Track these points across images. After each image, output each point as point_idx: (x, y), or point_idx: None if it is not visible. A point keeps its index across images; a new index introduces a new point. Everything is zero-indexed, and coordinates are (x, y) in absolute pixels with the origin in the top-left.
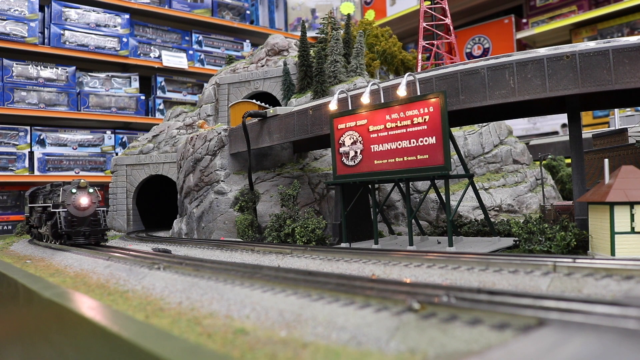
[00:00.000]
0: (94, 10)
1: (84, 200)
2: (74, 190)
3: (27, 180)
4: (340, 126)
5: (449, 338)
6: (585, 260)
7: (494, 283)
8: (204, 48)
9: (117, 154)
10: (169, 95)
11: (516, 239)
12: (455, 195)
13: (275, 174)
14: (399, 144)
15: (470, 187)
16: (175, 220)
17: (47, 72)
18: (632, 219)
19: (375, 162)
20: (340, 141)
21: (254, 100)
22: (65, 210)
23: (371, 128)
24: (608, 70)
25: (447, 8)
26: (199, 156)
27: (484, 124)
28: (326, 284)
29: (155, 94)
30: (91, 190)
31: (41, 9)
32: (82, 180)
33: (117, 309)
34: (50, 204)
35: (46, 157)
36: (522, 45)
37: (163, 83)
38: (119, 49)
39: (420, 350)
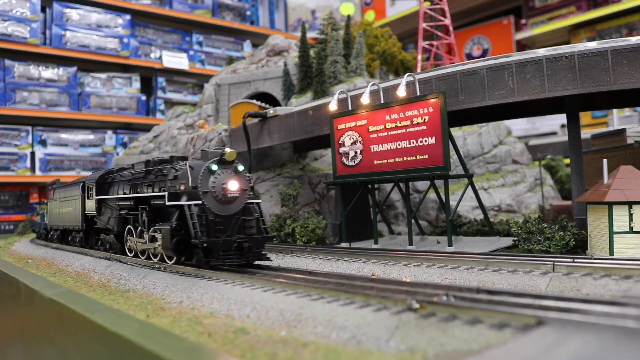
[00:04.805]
0: (95, 11)
1: (232, 185)
2: (214, 168)
3: (29, 181)
4: (340, 126)
5: (448, 337)
6: (584, 260)
7: (493, 282)
8: (205, 49)
9: (118, 154)
10: (169, 95)
11: (515, 238)
12: (455, 195)
13: (275, 174)
14: (399, 144)
15: (469, 187)
16: None
17: (49, 73)
18: (631, 219)
19: (375, 162)
20: (340, 141)
21: (254, 101)
22: (200, 203)
23: (371, 128)
24: (606, 70)
25: (446, 9)
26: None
27: (484, 124)
28: (326, 284)
29: (156, 94)
30: (240, 167)
31: (43, 9)
32: (227, 149)
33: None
34: (161, 193)
35: (47, 157)
36: (522, 45)
37: (164, 83)
38: (120, 49)
39: (420, 349)
